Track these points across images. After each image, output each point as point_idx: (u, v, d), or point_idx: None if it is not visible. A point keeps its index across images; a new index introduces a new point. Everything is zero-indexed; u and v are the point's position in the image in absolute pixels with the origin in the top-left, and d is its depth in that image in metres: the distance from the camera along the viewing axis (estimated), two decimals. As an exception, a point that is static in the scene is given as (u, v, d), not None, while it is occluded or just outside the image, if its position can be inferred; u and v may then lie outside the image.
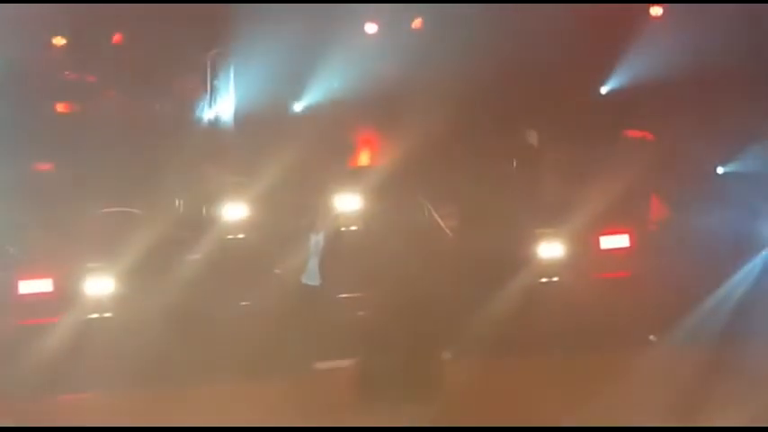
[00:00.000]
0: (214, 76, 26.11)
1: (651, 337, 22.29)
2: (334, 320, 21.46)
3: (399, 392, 20.30)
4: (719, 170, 26.13)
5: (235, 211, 23.97)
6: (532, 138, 25.87)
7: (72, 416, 20.38)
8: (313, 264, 20.96)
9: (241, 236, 23.93)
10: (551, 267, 23.43)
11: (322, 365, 21.35)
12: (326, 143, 26.08)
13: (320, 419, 19.96)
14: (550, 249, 23.41)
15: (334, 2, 26.90)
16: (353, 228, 24.37)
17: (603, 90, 28.88)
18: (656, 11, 29.51)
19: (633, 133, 26.45)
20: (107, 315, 22.23)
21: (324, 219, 21.22)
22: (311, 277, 20.99)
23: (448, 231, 24.54)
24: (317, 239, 20.97)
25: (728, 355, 21.01)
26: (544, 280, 23.37)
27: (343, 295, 22.37)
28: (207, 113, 26.36)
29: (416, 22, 28.29)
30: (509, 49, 27.45)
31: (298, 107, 27.41)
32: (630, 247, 23.80)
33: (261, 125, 26.28)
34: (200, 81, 26.23)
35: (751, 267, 23.42)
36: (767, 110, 25.51)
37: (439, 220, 24.55)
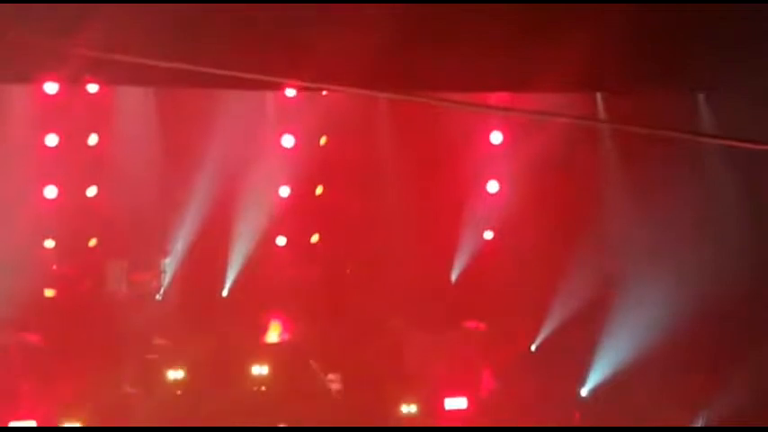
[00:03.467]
0: (164, 273, 26.53)
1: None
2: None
3: None
4: (533, 348, 26.20)
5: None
6: (396, 323, 26.07)
7: None
8: None
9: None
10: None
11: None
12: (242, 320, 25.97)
13: None
14: (408, 409, 24.30)
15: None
16: (263, 389, 24.66)
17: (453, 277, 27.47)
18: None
19: (469, 324, 26.15)
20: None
21: None
22: None
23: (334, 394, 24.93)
24: None
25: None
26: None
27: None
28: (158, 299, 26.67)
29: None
30: (372, 252, 27.09)
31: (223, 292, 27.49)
32: (468, 408, 24.60)
33: (196, 307, 26.24)
34: (155, 276, 26.69)
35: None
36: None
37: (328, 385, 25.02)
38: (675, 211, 23.66)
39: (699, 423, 22.07)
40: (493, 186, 27.25)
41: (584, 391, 25.13)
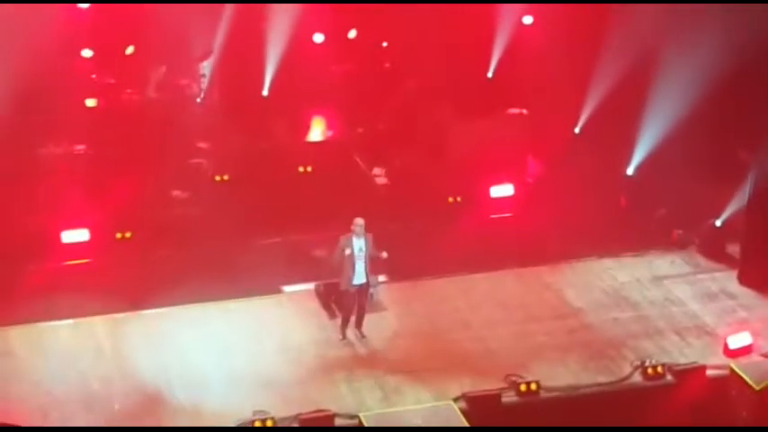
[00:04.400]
0: (203, 77, 26.35)
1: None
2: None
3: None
4: (576, 130, 26.28)
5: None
6: (439, 114, 25.77)
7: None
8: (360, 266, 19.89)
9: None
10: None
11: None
12: (284, 119, 26.19)
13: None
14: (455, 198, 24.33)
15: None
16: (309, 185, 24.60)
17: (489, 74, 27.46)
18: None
19: (511, 110, 26.09)
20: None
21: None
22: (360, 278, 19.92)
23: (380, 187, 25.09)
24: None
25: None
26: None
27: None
28: (198, 102, 26.53)
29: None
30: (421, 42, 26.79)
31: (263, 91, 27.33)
32: (514, 195, 24.47)
33: (237, 108, 26.02)
34: (195, 80, 26.50)
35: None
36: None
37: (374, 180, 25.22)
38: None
39: (748, 188, 21.84)
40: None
41: (630, 170, 25.01)
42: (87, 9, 25.55)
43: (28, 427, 18.12)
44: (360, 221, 19.74)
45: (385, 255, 19.86)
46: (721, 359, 19.66)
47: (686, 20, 23.82)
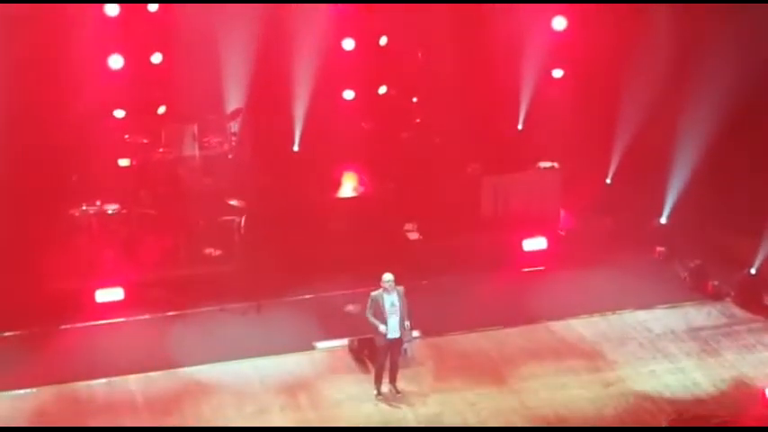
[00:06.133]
0: (234, 135, 26.49)
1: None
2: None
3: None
4: (608, 180, 26.39)
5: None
6: (474, 169, 25.86)
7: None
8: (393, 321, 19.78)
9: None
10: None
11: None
12: (315, 175, 26.09)
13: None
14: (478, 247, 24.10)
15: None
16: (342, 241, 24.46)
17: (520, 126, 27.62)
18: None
19: (543, 163, 25.59)
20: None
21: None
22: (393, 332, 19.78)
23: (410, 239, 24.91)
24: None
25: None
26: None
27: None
28: (230, 159, 26.62)
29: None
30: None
31: (293, 147, 27.52)
32: (547, 248, 24.39)
33: (268, 165, 26.20)
34: (226, 138, 26.62)
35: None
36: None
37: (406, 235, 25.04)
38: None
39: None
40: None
41: (663, 219, 25.07)
42: (119, 70, 25.77)
43: (28, 427, 18.28)
44: (388, 277, 19.65)
45: (407, 324, 19.79)
46: (760, 411, 19.43)
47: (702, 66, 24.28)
